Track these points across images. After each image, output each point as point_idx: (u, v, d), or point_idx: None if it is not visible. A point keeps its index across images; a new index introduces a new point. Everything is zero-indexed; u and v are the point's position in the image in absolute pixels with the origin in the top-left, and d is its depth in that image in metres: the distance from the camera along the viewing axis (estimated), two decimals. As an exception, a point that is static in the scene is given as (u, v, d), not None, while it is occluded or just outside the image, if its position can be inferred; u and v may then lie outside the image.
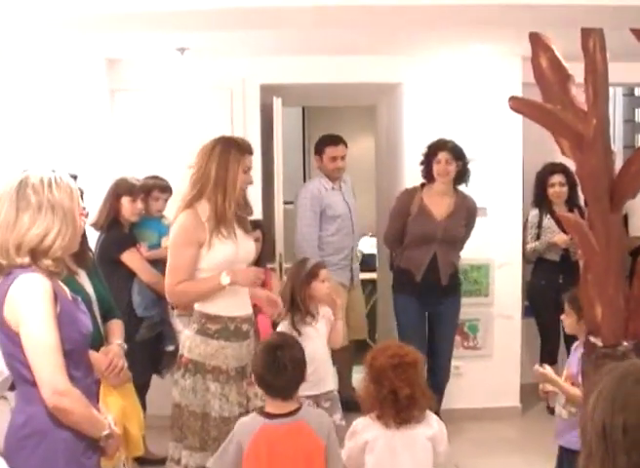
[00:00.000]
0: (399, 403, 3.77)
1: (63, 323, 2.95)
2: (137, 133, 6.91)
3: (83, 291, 4.08)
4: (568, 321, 4.86)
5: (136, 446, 4.32)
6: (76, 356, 3.03)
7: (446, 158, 6.24)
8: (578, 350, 4.71)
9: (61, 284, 3.15)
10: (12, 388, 3.25)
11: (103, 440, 3.07)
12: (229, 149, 4.42)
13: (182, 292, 4.41)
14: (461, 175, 6.36)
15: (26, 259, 2.94)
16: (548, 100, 4.29)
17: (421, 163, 6.40)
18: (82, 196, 3.31)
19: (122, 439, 3.40)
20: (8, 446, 2.97)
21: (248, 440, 3.65)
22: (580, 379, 4.54)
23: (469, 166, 6.38)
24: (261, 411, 3.78)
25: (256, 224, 5.45)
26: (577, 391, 4.53)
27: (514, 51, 6.60)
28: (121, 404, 4.18)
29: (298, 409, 3.74)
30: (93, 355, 3.48)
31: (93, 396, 3.18)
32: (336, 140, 7.13)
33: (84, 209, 3.18)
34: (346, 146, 7.14)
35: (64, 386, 2.89)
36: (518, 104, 4.51)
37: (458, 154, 6.28)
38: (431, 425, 3.87)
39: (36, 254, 2.95)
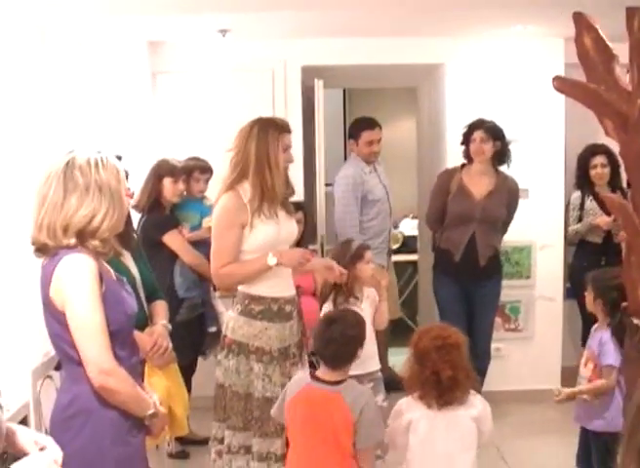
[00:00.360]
0: (441, 384, 3.77)
1: (109, 303, 2.96)
2: (178, 115, 6.94)
3: (128, 272, 4.12)
4: (587, 299, 4.88)
5: (180, 425, 4.37)
6: (121, 336, 3.05)
7: (481, 137, 6.23)
8: (598, 331, 4.73)
9: (106, 265, 3.18)
10: (58, 368, 3.28)
11: (148, 419, 3.09)
12: (267, 129, 4.41)
13: (228, 274, 4.41)
14: (501, 156, 6.33)
15: (73, 240, 2.95)
16: (592, 81, 4.25)
17: (461, 143, 6.41)
18: (127, 177, 3.33)
19: (167, 418, 3.42)
20: (53, 425, 3.00)
21: (292, 393, 3.92)
22: (602, 360, 4.62)
23: (511, 147, 6.35)
24: (312, 373, 3.98)
25: (298, 206, 5.46)
26: (598, 383, 4.64)
27: (557, 32, 6.54)
28: (165, 384, 4.22)
29: (341, 382, 3.88)
30: (137, 335, 3.49)
31: (137, 376, 3.20)
32: (371, 124, 7.07)
33: (129, 189, 3.19)
34: (381, 129, 7.11)
35: (110, 366, 2.91)
36: (562, 84, 4.48)
37: (494, 133, 6.26)
38: (475, 406, 3.86)
39: (84, 235, 2.97)
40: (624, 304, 4.51)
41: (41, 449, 2.28)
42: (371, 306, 5.26)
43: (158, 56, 6.82)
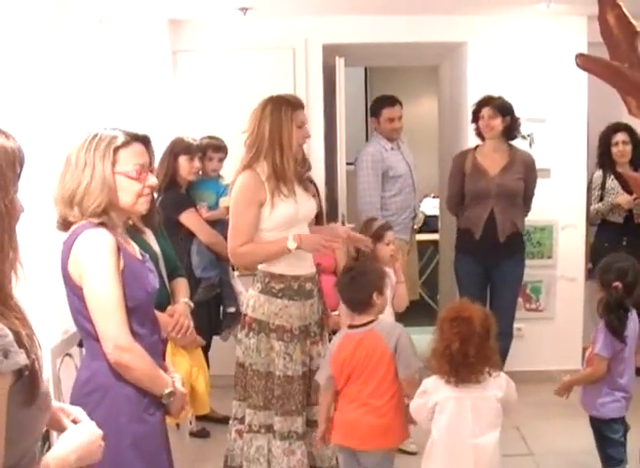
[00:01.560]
0: (454, 359, 3.77)
1: (127, 279, 2.96)
2: (199, 94, 6.94)
3: (150, 249, 4.12)
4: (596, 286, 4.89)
5: (202, 404, 4.38)
6: (141, 313, 3.05)
7: (489, 114, 6.23)
8: (600, 331, 4.71)
9: (131, 242, 3.19)
10: (80, 344, 3.29)
11: (166, 398, 3.08)
12: (280, 107, 4.39)
13: (246, 253, 4.40)
14: (511, 131, 6.34)
15: (76, 211, 2.97)
16: (615, 58, 4.17)
17: (472, 121, 6.41)
18: (152, 158, 3.29)
19: (188, 397, 3.42)
20: (72, 401, 2.99)
21: (334, 347, 4.27)
22: (593, 347, 4.70)
23: (534, 126, 6.33)
24: (347, 325, 4.35)
25: (308, 181, 5.46)
26: (586, 371, 4.83)
27: (580, 10, 6.49)
28: (188, 363, 4.22)
29: (372, 321, 4.24)
30: (159, 315, 3.49)
31: (158, 354, 3.19)
32: (392, 101, 7.04)
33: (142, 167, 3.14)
34: (402, 106, 7.06)
35: (126, 342, 2.92)
36: (585, 62, 4.40)
37: (502, 109, 6.25)
38: (501, 386, 3.85)
39: (80, 207, 2.98)
40: (615, 284, 4.60)
41: (73, 421, 2.28)
42: (389, 287, 5.27)
43: (179, 34, 6.82)
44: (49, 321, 3.92)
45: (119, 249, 2.98)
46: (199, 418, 5.69)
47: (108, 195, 3.00)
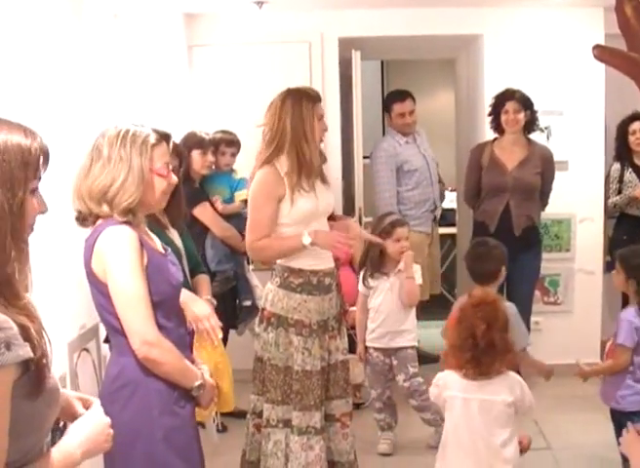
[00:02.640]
0: (477, 347, 3.75)
1: (152, 274, 2.98)
2: (214, 88, 6.94)
3: (173, 245, 4.16)
4: (617, 278, 4.82)
5: (226, 402, 4.40)
6: (167, 307, 3.07)
7: (514, 108, 6.22)
8: (627, 314, 4.66)
9: (153, 235, 3.20)
10: (106, 340, 3.30)
11: (196, 390, 3.10)
12: (300, 100, 4.36)
13: (263, 248, 4.40)
14: (530, 124, 6.33)
15: (105, 208, 2.97)
16: (633, 50, 4.14)
17: (489, 114, 6.39)
18: (181, 157, 3.32)
19: (215, 390, 3.42)
20: (103, 397, 2.91)
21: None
22: (616, 338, 4.61)
23: (551, 119, 6.30)
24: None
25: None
26: (607, 363, 4.77)
27: (597, 1, 6.47)
28: (214, 359, 4.24)
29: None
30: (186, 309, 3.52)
31: (185, 347, 3.19)
32: (402, 96, 7.02)
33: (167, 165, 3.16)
34: (414, 100, 7.03)
35: (153, 337, 2.93)
36: (602, 53, 4.37)
37: (525, 103, 6.25)
38: (512, 390, 3.83)
39: (110, 204, 2.98)
40: None
41: (86, 407, 2.28)
42: (399, 282, 5.32)
43: (194, 28, 6.83)
44: (66, 316, 3.92)
45: (142, 244, 2.99)
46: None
47: (143, 192, 3.02)
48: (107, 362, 3.21)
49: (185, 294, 3.65)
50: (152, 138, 3.06)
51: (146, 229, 3.19)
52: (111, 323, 3.01)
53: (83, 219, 3.04)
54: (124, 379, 3.02)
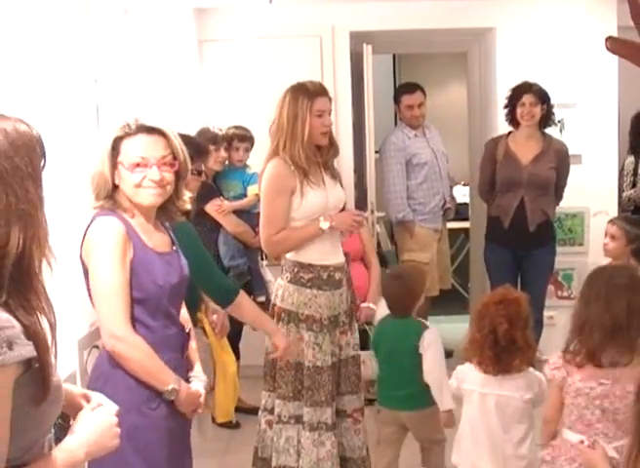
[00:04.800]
0: (498, 345, 3.72)
1: (136, 269, 2.95)
2: (226, 83, 6.93)
3: None
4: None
5: (220, 412, 4.42)
6: (152, 305, 3.02)
7: (530, 101, 6.16)
8: None
9: (162, 233, 3.18)
10: None
11: (167, 394, 3.00)
12: (297, 96, 4.35)
13: (282, 240, 4.37)
14: (547, 119, 6.28)
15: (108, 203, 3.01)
16: (646, 42, 4.15)
17: (505, 106, 6.35)
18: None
19: (197, 400, 3.30)
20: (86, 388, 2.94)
21: None
22: None
23: (564, 112, 6.27)
24: None
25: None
26: None
27: (610, -6, 6.43)
28: (232, 370, 4.28)
29: None
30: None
31: (174, 349, 3.13)
32: (411, 88, 7.04)
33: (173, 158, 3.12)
34: (424, 93, 7.03)
35: (122, 331, 2.91)
36: (614, 45, 4.38)
37: (542, 96, 6.20)
38: (531, 387, 3.81)
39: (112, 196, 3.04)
40: None
41: (87, 401, 2.27)
42: None
43: (205, 23, 6.81)
44: (76, 313, 3.91)
45: (132, 238, 2.97)
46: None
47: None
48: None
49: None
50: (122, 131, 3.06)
51: (152, 225, 3.14)
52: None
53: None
54: (97, 371, 3.05)
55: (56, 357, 1.92)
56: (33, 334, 1.80)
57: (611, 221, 5.43)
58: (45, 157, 1.93)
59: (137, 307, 2.95)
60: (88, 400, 2.27)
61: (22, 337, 1.77)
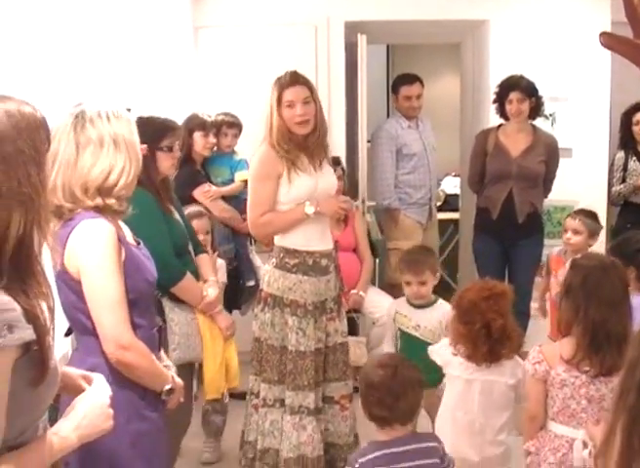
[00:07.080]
0: (492, 337, 3.75)
1: (129, 271, 2.79)
2: (220, 70, 6.93)
3: (180, 226, 4.24)
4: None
5: (235, 377, 4.46)
6: (141, 304, 2.89)
7: (517, 97, 6.18)
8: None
9: (123, 226, 2.95)
10: (67, 334, 3.11)
11: (165, 394, 2.95)
12: (273, 87, 4.43)
13: (266, 223, 4.43)
14: (535, 111, 6.30)
15: (98, 200, 2.78)
16: (639, 37, 4.17)
17: (494, 101, 6.37)
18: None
19: (182, 391, 3.27)
20: (64, 401, 2.51)
21: None
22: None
23: (556, 105, 6.30)
24: None
25: (335, 162, 5.45)
26: None
27: (604, -12, 6.46)
28: (222, 338, 4.34)
29: None
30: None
31: (155, 345, 3.01)
32: (410, 79, 7.06)
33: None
34: (422, 85, 7.06)
35: (129, 341, 2.75)
36: (608, 40, 4.39)
37: (530, 91, 6.21)
38: (515, 374, 3.83)
39: (102, 194, 2.79)
40: None
41: (87, 382, 2.27)
42: None
43: (200, 10, 6.82)
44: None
45: (120, 238, 2.79)
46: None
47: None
48: (70, 360, 2.95)
49: None
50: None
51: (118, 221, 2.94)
52: (81, 321, 2.79)
53: (56, 214, 2.70)
54: None
55: (53, 340, 1.94)
56: (33, 318, 1.80)
57: (571, 216, 5.49)
58: (49, 140, 1.92)
59: (130, 309, 2.79)
60: (88, 381, 2.28)
61: (23, 321, 1.77)
